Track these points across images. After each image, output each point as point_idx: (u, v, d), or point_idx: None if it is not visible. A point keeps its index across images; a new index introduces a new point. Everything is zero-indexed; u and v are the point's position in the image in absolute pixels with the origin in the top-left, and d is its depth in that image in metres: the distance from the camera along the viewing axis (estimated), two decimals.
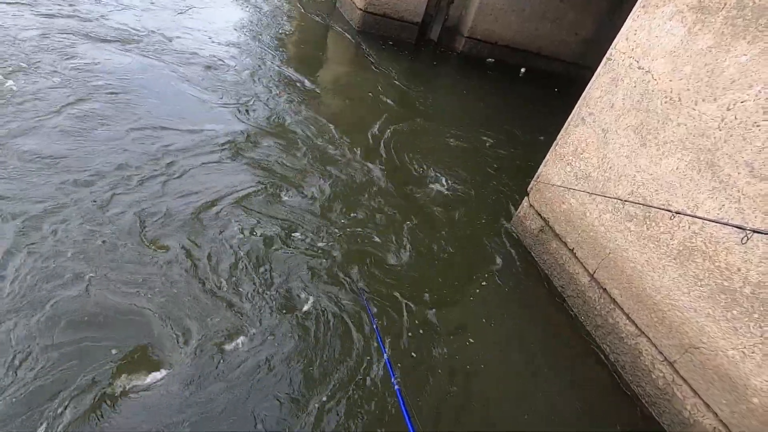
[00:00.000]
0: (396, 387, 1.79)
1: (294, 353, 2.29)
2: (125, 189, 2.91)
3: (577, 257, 3.19)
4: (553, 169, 3.48)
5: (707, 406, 2.33)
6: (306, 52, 6.48)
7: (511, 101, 7.52)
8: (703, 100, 2.40)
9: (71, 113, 3.43)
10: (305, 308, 2.55)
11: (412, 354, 2.50)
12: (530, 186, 3.74)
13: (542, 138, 5.88)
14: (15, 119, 3.18)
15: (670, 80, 2.58)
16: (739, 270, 2.19)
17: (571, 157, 3.30)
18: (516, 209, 3.98)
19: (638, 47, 2.81)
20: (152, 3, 6.18)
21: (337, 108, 5.13)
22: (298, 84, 5.29)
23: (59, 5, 5.09)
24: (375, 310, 2.64)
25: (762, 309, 2.10)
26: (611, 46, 3.02)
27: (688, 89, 2.48)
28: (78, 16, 5.00)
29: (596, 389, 2.73)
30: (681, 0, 2.56)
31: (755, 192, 2.14)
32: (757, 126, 2.14)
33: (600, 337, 2.99)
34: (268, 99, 4.70)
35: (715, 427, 2.30)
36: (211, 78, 4.71)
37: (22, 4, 4.83)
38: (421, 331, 2.65)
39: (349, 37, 7.80)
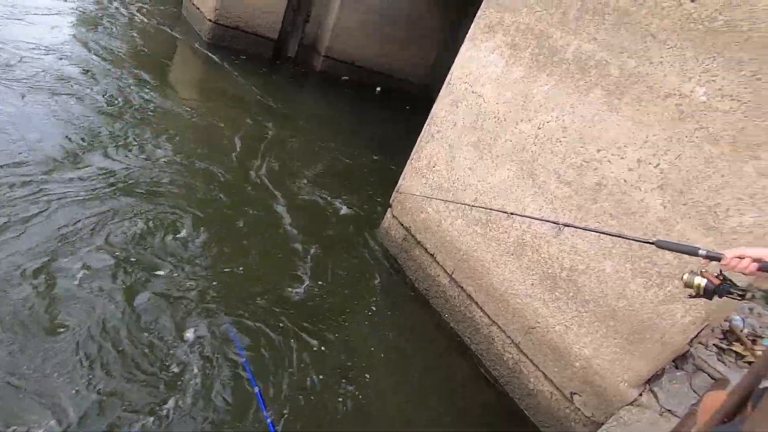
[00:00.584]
0: (268, 420, 1.71)
1: (165, 399, 2.02)
2: None
3: (437, 261, 3.50)
4: (411, 181, 3.77)
5: (545, 375, 2.77)
6: (160, 70, 5.84)
7: (368, 118, 7.95)
8: (522, 121, 2.89)
9: None
10: (179, 354, 2.28)
11: (284, 377, 2.42)
12: (392, 198, 3.99)
13: (400, 152, 6.33)
14: None
15: (497, 103, 3.04)
16: (557, 258, 2.68)
17: (425, 170, 3.63)
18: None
19: (471, 74, 3.25)
20: None
21: (204, 130, 4.74)
22: (158, 107, 4.73)
23: None
24: (245, 347, 2.48)
25: (575, 288, 2.60)
26: (450, 72, 3.44)
27: (510, 111, 2.96)
28: None
29: (461, 378, 3.01)
30: (499, 37, 3.06)
31: (563, 194, 2.65)
32: (560, 141, 2.67)
33: (461, 331, 3.32)
34: (131, 128, 4.10)
35: (552, 392, 2.74)
36: (66, 104, 3.92)
37: None
38: (301, 353, 2.59)
39: (201, 49, 7.30)
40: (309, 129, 6.15)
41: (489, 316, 3.10)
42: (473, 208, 3.18)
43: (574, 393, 2.63)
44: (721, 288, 1.30)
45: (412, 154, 3.79)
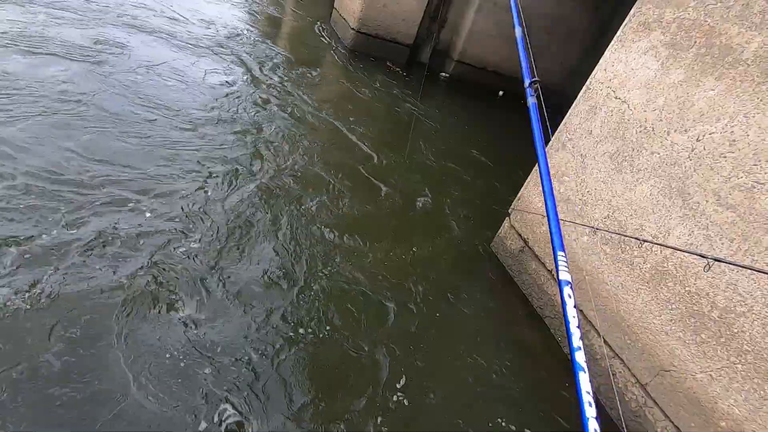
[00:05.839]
0: None
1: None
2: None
3: (555, 278, 3.24)
4: (534, 191, 3.56)
5: (677, 429, 2.37)
6: (307, 74, 6.56)
7: (495, 125, 7.72)
8: (675, 131, 2.51)
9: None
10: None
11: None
12: (511, 207, 3.82)
13: (526, 159, 6.02)
14: None
15: (645, 111, 2.70)
16: (707, 294, 2.27)
17: (552, 181, 3.39)
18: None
19: (615, 78, 2.94)
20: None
21: (354, 126, 5.21)
22: (313, 113, 5.35)
23: None
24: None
25: (729, 333, 2.17)
26: (590, 76, 3.15)
27: (661, 120, 2.59)
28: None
29: (574, 412, 2.74)
30: (655, 36, 2.71)
31: (722, 220, 2.23)
32: (724, 157, 2.25)
33: None
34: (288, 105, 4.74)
35: None
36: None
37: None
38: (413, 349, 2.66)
39: (342, 55, 7.95)
40: (438, 133, 6.23)
41: (611, 348, 2.77)
42: (604, 224, 2.87)
43: None
44: None
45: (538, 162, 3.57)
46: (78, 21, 5.03)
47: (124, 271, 2.43)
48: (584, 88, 3.19)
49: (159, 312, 2.30)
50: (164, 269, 2.54)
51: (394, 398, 2.35)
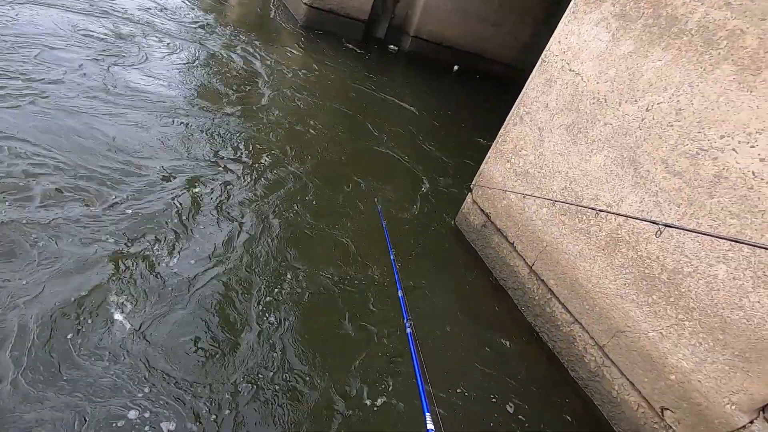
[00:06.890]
0: (408, 330, 1.92)
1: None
2: None
3: (517, 250, 3.33)
4: (494, 166, 3.60)
5: (632, 384, 2.52)
6: (262, 46, 6.25)
7: (452, 100, 7.72)
8: (626, 102, 2.58)
9: None
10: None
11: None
12: (473, 182, 3.85)
13: (487, 135, 6.09)
14: None
15: (597, 82, 2.75)
16: (657, 258, 2.39)
17: (510, 155, 3.44)
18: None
19: (569, 50, 2.97)
20: None
21: (310, 101, 5.01)
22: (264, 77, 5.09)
23: None
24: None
25: (677, 293, 2.30)
26: (545, 49, 3.18)
27: (613, 91, 2.66)
28: None
29: (538, 378, 2.85)
30: (606, 7, 2.74)
31: (670, 186, 2.33)
32: (671, 126, 2.34)
33: (539, 326, 3.14)
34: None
35: (638, 404, 2.49)
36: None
37: None
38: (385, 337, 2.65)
39: (296, 33, 7.62)
40: (400, 110, 6.15)
41: (571, 314, 2.89)
42: (562, 195, 2.95)
43: (666, 408, 2.36)
44: None
45: (497, 137, 3.61)
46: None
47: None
48: (540, 60, 3.21)
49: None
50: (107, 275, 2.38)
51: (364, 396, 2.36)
